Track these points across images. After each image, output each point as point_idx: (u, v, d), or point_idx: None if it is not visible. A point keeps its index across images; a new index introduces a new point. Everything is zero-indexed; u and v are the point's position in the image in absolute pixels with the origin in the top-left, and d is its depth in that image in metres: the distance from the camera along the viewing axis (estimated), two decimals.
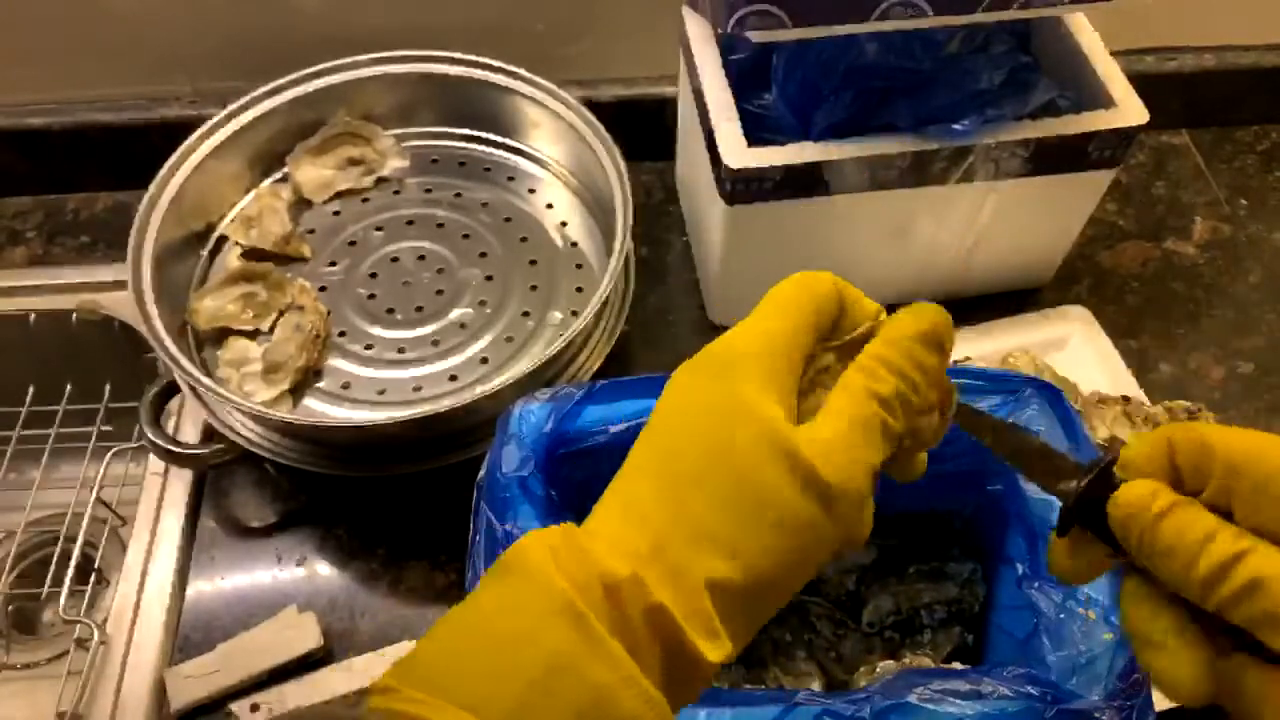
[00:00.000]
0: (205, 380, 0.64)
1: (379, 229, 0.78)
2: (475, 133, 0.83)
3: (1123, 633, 0.41)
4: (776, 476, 0.30)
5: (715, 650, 0.30)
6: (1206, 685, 0.30)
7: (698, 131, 0.71)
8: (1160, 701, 0.47)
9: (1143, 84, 0.70)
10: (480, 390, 0.64)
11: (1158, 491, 0.31)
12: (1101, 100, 0.69)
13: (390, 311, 0.74)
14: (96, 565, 0.76)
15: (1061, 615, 0.48)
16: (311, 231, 0.78)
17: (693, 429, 0.32)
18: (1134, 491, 0.31)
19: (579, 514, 0.56)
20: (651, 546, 0.30)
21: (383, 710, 0.28)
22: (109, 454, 0.75)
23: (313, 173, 0.80)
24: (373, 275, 0.76)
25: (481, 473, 0.51)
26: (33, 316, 0.81)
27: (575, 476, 0.54)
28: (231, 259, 0.76)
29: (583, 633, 0.28)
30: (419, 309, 0.74)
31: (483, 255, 0.77)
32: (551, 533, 0.31)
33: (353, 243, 0.78)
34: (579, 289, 0.75)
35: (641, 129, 0.85)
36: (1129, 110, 0.68)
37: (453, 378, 0.70)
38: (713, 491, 0.30)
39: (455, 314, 0.74)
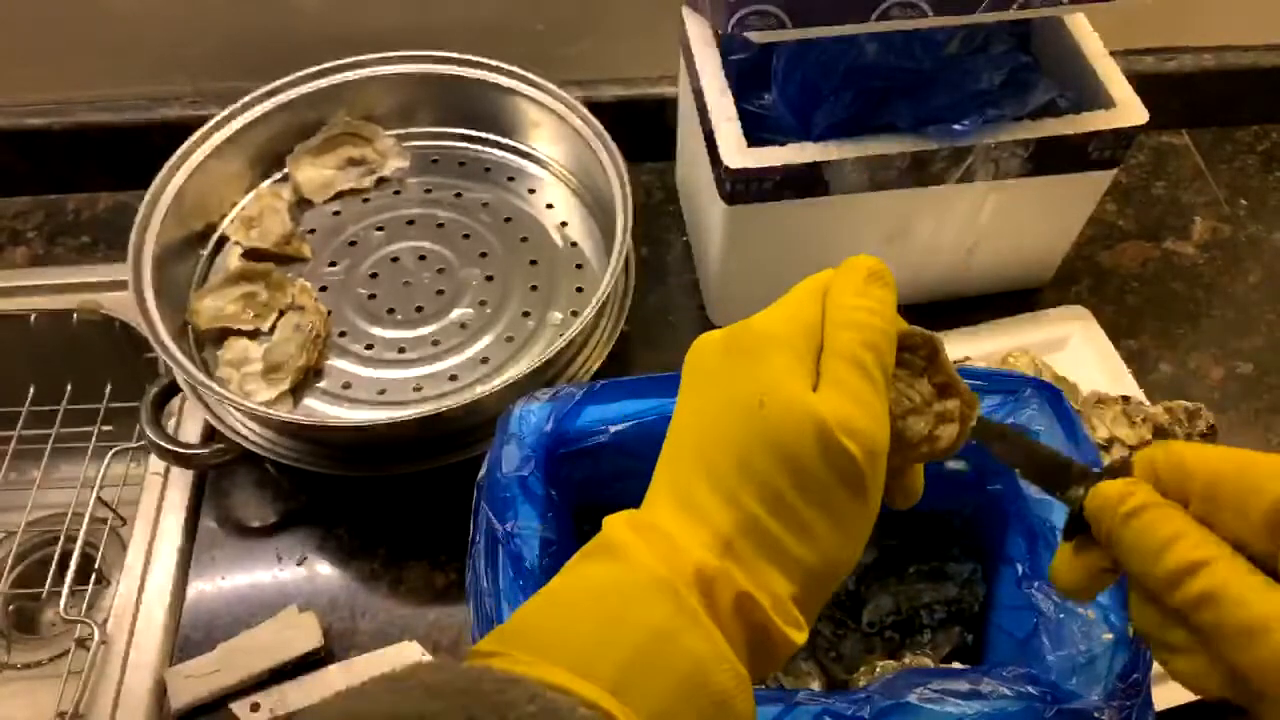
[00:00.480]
0: (205, 380, 0.64)
1: (379, 229, 0.78)
2: (475, 133, 0.83)
3: (1130, 634, 0.40)
4: (824, 473, 0.31)
5: (799, 634, 0.31)
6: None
7: (698, 131, 0.71)
8: (1160, 701, 0.47)
9: (1143, 84, 0.70)
10: (480, 390, 0.64)
11: (1135, 491, 0.32)
12: (1101, 100, 0.69)
13: (390, 311, 0.74)
14: (97, 565, 0.76)
15: (1061, 615, 0.48)
16: (312, 231, 0.78)
17: (732, 417, 0.32)
18: (1109, 489, 0.33)
19: (579, 513, 0.56)
20: (722, 544, 0.31)
21: (488, 669, 0.28)
22: (109, 454, 0.75)
23: (313, 173, 0.80)
24: (373, 275, 0.76)
25: (481, 473, 0.51)
26: (33, 316, 0.81)
27: (575, 476, 0.54)
28: (232, 259, 0.76)
29: (682, 609, 0.30)
30: (419, 309, 0.74)
31: (483, 255, 0.77)
32: (630, 520, 0.33)
33: (353, 243, 0.78)
34: (579, 289, 0.75)
35: (641, 129, 0.85)
36: (1129, 110, 0.68)
37: (453, 378, 0.71)
38: (763, 487, 0.31)
39: (455, 314, 0.74)
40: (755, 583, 0.31)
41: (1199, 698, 0.35)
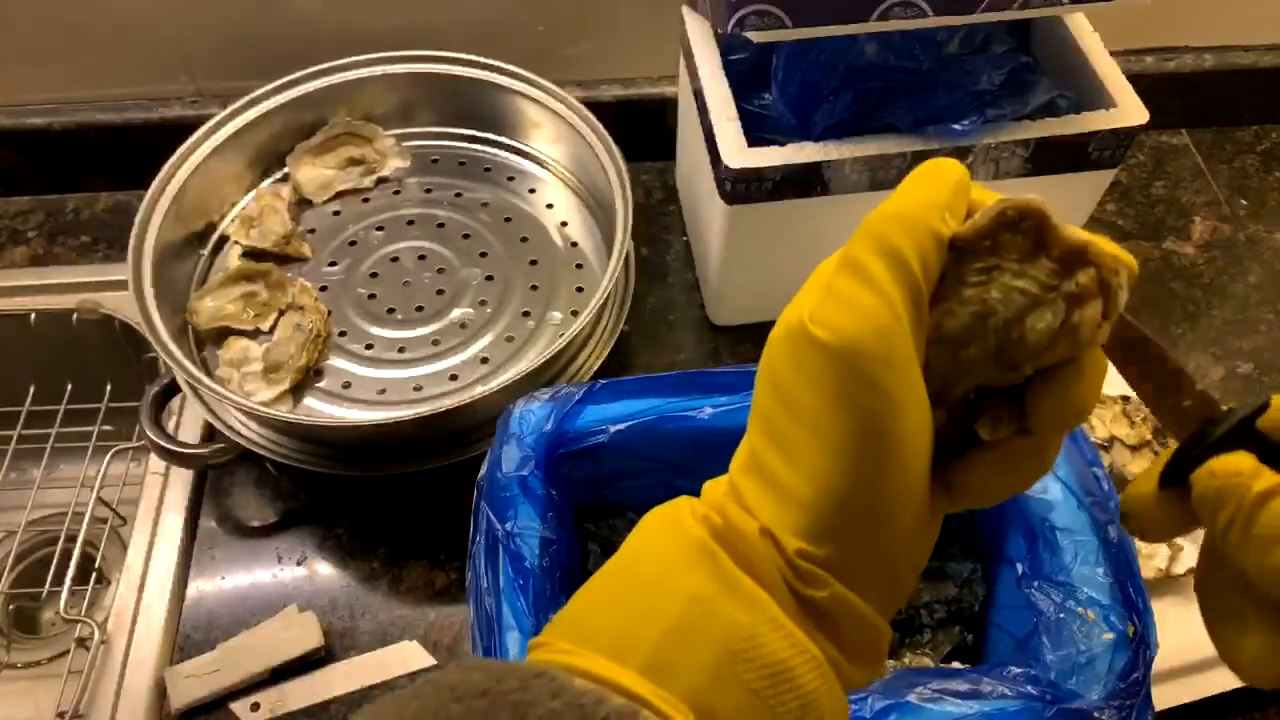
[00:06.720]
0: (205, 380, 0.64)
1: (379, 229, 0.78)
2: (475, 133, 0.83)
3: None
4: (796, 377, 0.27)
5: (820, 591, 0.27)
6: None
7: (698, 131, 0.71)
8: (1160, 701, 0.47)
9: (1143, 84, 0.70)
10: (480, 390, 0.64)
11: (1259, 469, 0.28)
12: (1101, 100, 0.69)
13: (391, 311, 0.74)
14: (97, 565, 0.76)
15: (1061, 615, 0.48)
16: (312, 231, 0.78)
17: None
18: (1233, 462, 0.28)
19: (579, 513, 0.56)
20: (727, 486, 0.29)
21: (517, 665, 0.27)
22: (109, 454, 0.75)
23: (313, 173, 0.80)
24: (373, 275, 0.76)
25: (481, 472, 0.52)
26: (33, 316, 0.81)
27: (575, 476, 0.54)
28: (232, 259, 0.76)
29: (720, 573, 0.27)
30: (419, 309, 0.74)
31: (483, 255, 0.77)
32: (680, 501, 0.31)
33: (353, 242, 0.78)
34: (579, 289, 0.75)
35: (641, 129, 0.85)
36: (1129, 110, 0.68)
37: (453, 377, 0.71)
38: (762, 419, 0.29)
39: (455, 314, 0.74)
40: (751, 518, 0.28)
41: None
